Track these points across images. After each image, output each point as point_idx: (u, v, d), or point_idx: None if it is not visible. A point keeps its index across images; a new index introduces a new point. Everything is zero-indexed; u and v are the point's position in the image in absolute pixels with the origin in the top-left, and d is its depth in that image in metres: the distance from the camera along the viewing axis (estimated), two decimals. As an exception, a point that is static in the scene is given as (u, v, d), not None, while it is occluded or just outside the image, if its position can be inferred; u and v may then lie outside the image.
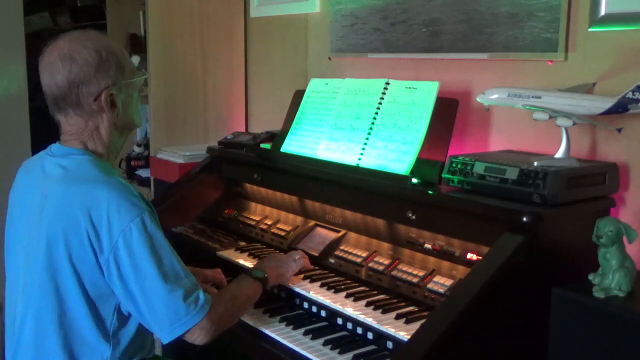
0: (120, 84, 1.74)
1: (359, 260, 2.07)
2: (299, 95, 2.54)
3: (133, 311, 1.65)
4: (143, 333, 1.75)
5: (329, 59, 2.84)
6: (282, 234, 2.37)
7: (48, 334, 1.66)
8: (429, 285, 1.85)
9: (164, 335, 1.64)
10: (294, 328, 1.87)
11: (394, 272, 1.96)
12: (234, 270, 2.21)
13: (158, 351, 2.02)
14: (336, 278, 2.05)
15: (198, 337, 1.65)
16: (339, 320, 1.87)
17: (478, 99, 1.93)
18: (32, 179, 1.76)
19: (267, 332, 1.87)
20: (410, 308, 1.82)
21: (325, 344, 1.77)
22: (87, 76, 1.68)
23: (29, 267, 1.69)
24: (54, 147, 1.78)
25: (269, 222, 2.47)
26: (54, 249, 1.63)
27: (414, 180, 1.98)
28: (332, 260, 2.14)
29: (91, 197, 1.61)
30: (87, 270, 1.63)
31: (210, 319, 1.65)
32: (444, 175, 1.93)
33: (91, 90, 1.70)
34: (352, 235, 2.20)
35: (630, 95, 1.75)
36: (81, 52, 1.68)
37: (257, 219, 2.52)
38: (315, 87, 2.49)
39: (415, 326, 1.65)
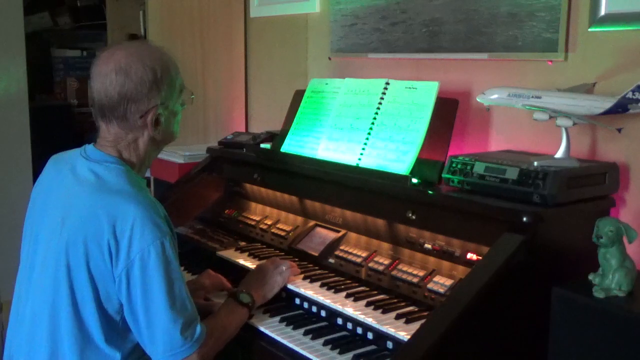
0: (167, 103, 1.76)
1: (359, 260, 2.07)
2: (299, 95, 2.54)
3: (132, 328, 1.67)
4: None
5: (329, 59, 2.84)
6: (282, 234, 2.37)
7: (63, 336, 1.66)
8: (429, 285, 1.85)
9: (154, 358, 1.66)
10: (294, 328, 1.87)
11: (394, 272, 1.96)
12: (234, 270, 2.22)
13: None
14: (336, 278, 2.05)
15: None
16: (339, 320, 1.87)
17: (478, 99, 1.93)
18: (61, 178, 1.76)
19: (267, 331, 1.87)
20: (410, 308, 1.82)
21: (325, 344, 1.77)
22: (139, 94, 1.69)
23: (46, 266, 1.69)
24: (89, 149, 1.78)
25: (269, 222, 2.46)
26: (72, 252, 1.64)
27: (414, 180, 1.98)
28: (332, 260, 2.14)
29: (119, 209, 1.62)
30: (103, 278, 1.64)
31: (200, 353, 1.67)
32: (444, 175, 1.93)
33: (140, 108, 1.71)
34: (352, 235, 2.20)
35: (630, 95, 1.75)
36: (138, 68, 1.69)
37: (257, 219, 2.52)
38: (315, 87, 2.49)
39: (415, 326, 1.65)
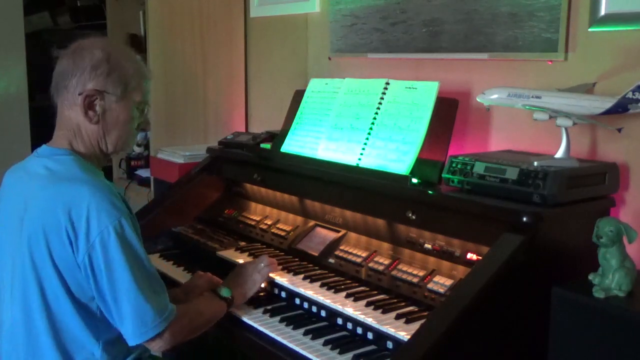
0: (110, 97, 1.73)
1: (359, 260, 2.07)
2: (299, 95, 2.54)
3: (104, 310, 1.66)
4: None
5: (329, 59, 2.84)
6: (282, 234, 2.37)
7: (40, 334, 1.66)
8: (429, 285, 1.85)
9: (128, 338, 1.66)
10: (294, 328, 1.87)
11: (394, 272, 1.96)
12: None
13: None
14: (336, 278, 2.05)
15: (156, 346, 1.69)
16: (339, 320, 1.86)
17: (478, 99, 1.93)
18: (16, 181, 1.77)
19: (267, 332, 1.87)
20: (410, 308, 1.82)
21: (325, 344, 1.77)
22: (83, 70, 1.71)
23: (16, 267, 1.69)
24: (41, 148, 1.79)
25: (269, 222, 2.46)
26: (35, 247, 1.64)
27: (414, 180, 1.98)
28: (332, 260, 2.14)
29: (72, 195, 1.62)
30: (69, 268, 1.63)
31: (172, 331, 1.67)
32: (444, 175, 1.93)
33: (79, 82, 1.71)
34: (352, 235, 2.20)
35: (630, 95, 1.75)
36: (94, 49, 1.73)
37: (257, 219, 2.52)
38: (315, 87, 2.48)
39: (415, 326, 1.65)
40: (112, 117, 1.76)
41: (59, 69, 1.75)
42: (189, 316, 1.76)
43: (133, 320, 1.63)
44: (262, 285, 2.06)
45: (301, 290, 1.98)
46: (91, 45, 1.74)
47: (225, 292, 1.92)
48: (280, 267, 2.14)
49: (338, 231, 2.24)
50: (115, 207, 1.63)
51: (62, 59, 1.75)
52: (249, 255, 2.28)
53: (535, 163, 1.78)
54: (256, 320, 1.92)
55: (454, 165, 1.91)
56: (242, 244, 2.40)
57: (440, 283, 1.83)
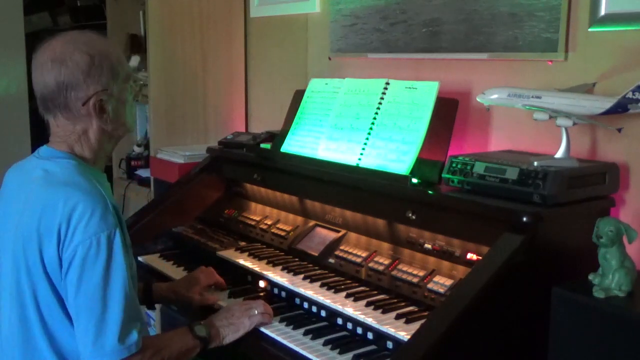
0: (111, 89, 1.71)
1: (359, 260, 2.07)
2: (299, 95, 2.54)
3: (72, 320, 1.61)
4: None
5: (329, 59, 2.84)
6: (282, 234, 2.37)
7: (37, 339, 1.64)
8: (429, 285, 1.85)
9: (84, 356, 1.59)
10: (294, 328, 1.87)
11: (394, 272, 1.96)
12: (233, 271, 2.22)
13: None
14: (336, 278, 2.05)
15: None
16: (339, 320, 1.86)
17: (478, 99, 1.93)
18: (15, 182, 1.75)
19: (267, 332, 1.87)
20: (410, 308, 1.82)
21: (325, 344, 1.77)
22: (77, 80, 1.65)
23: (13, 270, 1.66)
24: (42, 149, 1.76)
25: (269, 222, 2.46)
26: (29, 251, 1.61)
27: (414, 180, 1.98)
28: (332, 260, 2.14)
29: (66, 201, 1.58)
30: (57, 274, 1.60)
31: None
32: (444, 175, 1.93)
33: (80, 95, 1.66)
34: (352, 235, 2.20)
35: (630, 95, 1.75)
36: (73, 54, 1.65)
37: (257, 219, 2.52)
38: (315, 87, 2.49)
39: (415, 326, 1.65)
40: (119, 105, 1.75)
41: (44, 84, 1.66)
42: (151, 351, 1.64)
43: (92, 340, 1.56)
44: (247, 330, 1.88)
45: (301, 290, 1.98)
46: (67, 51, 1.66)
47: (200, 331, 1.79)
48: (280, 267, 2.14)
49: (338, 231, 2.24)
50: (104, 218, 1.58)
51: (42, 75, 1.66)
52: (249, 255, 2.28)
53: (535, 163, 1.78)
54: (256, 320, 1.92)
55: (454, 165, 1.91)
56: (242, 244, 2.40)
57: (440, 283, 1.83)
